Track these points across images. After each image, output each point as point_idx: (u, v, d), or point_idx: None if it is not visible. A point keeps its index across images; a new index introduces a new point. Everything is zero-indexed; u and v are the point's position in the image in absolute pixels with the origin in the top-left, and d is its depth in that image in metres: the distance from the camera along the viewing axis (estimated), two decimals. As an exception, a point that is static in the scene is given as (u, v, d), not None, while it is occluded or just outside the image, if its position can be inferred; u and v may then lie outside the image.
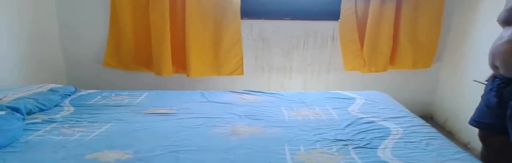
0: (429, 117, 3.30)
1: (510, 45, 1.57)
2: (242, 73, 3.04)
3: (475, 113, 1.90)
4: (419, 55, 3.00)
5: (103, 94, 2.38)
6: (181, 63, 3.00)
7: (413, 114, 2.13)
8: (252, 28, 3.05)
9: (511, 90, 1.66)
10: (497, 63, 1.65)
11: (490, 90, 1.77)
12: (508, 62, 1.60)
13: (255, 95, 2.46)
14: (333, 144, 1.64)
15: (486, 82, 1.85)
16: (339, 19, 2.93)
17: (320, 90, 3.04)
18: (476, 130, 1.95)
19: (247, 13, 2.98)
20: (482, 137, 1.93)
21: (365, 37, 2.92)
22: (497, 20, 1.72)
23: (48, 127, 1.78)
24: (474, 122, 1.89)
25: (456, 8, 2.96)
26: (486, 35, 2.55)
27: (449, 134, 2.97)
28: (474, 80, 1.97)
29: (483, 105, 1.82)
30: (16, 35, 2.55)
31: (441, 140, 1.72)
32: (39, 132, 1.70)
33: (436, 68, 3.17)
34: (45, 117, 1.90)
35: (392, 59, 3.02)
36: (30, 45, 2.70)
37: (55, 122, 1.84)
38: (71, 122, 1.86)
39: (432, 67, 3.11)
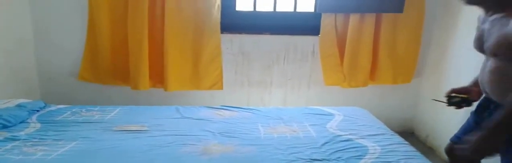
0: (410, 133, 3.26)
1: (493, 76, 1.52)
2: (221, 87, 2.98)
3: (460, 130, 1.87)
4: (399, 70, 2.98)
5: (73, 110, 2.29)
6: (158, 77, 2.93)
7: (392, 131, 2.09)
8: (232, 42, 3.01)
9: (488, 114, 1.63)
10: (487, 90, 1.61)
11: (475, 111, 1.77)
12: (495, 92, 1.55)
13: (232, 110, 2.39)
14: (308, 164, 1.58)
15: (445, 101, 1.80)
16: (319, 34, 2.90)
17: (300, 105, 3.00)
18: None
19: (227, 27, 2.94)
20: (448, 150, 1.89)
21: (345, 52, 2.90)
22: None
23: (9, 145, 1.69)
24: (456, 138, 1.85)
25: (435, 23, 2.96)
26: (466, 50, 2.54)
27: (430, 150, 2.93)
28: (433, 99, 1.90)
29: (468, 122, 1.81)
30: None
31: (420, 160, 1.68)
32: (-2, 151, 1.62)
33: (416, 83, 3.15)
34: (8, 135, 1.81)
35: (372, 74, 3.00)
36: (2, 57, 2.61)
37: (18, 140, 1.76)
38: (35, 140, 1.77)
39: (413, 82, 3.08)
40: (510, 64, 1.43)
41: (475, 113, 1.76)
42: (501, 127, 1.41)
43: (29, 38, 2.91)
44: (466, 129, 1.81)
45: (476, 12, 2.50)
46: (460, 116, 2.27)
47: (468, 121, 1.85)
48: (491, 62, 1.52)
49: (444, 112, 2.81)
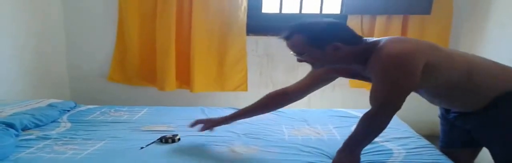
0: (436, 137, 3.19)
1: (438, 99, 1.73)
2: (246, 89, 3.01)
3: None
4: (426, 73, 2.94)
5: (103, 110, 2.35)
6: (185, 79, 2.98)
7: (418, 134, 2.06)
8: (258, 44, 3.03)
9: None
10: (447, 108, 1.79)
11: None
12: (455, 106, 1.73)
13: (256, 112, 2.40)
14: (332, 167, 1.58)
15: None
16: (344, 35, 2.89)
17: (324, 107, 2.98)
18: (486, 151, 1.88)
19: (252, 29, 2.97)
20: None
21: (371, 54, 2.87)
22: None
23: (41, 144, 1.74)
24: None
25: (464, 25, 2.91)
26: (494, 53, 2.50)
27: (458, 154, 2.87)
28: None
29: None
30: (21, 48, 2.57)
31: (446, 164, 1.66)
32: (31, 149, 1.67)
33: (445, 86, 3.09)
34: (40, 134, 1.87)
35: (399, 77, 2.96)
36: (35, 58, 2.71)
37: (49, 138, 1.81)
38: (66, 139, 1.83)
39: (440, 85, 3.03)
40: (435, 87, 1.58)
41: (442, 115, 1.88)
42: (354, 142, 1.58)
43: (61, 41, 3.01)
44: (445, 132, 1.91)
45: (505, 13, 2.46)
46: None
47: (441, 124, 1.95)
48: (423, 92, 1.68)
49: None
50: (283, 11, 3.04)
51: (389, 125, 2.14)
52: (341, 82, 3.04)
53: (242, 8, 2.83)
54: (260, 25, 3.02)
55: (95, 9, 2.96)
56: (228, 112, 2.36)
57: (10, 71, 2.47)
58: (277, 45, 3.00)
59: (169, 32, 2.81)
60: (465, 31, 2.91)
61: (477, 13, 2.77)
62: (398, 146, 1.83)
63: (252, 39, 2.99)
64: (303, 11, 3.03)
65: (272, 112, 2.38)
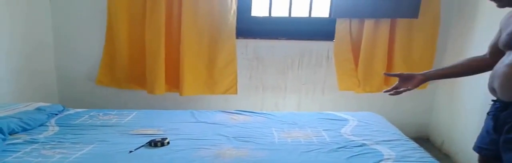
0: (425, 139, 3.24)
1: (509, 68, 1.49)
2: (235, 92, 3.01)
3: (477, 138, 1.82)
4: (414, 76, 2.97)
5: (91, 114, 2.33)
6: (174, 82, 2.97)
7: (406, 137, 2.08)
8: (247, 47, 3.04)
9: (506, 115, 1.58)
10: (495, 86, 1.56)
11: (488, 113, 1.68)
12: (505, 85, 1.52)
13: (246, 115, 2.41)
14: (321, 169, 1.58)
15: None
16: (333, 39, 2.91)
17: (314, 110, 3.00)
18: (473, 153, 1.88)
19: (242, 32, 2.97)
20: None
21: (360, 57, 2.90)
22: (498, 44, 1.64)
23: (29, 148, 1.72)
24: (477, 147, 1.79)
25: (451, 29, 2.94)
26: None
27: (446, 157, 2.90)
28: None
29: (484, 131, 1.74)
30: (7, 50, 2.54)
31: (435, 166, 1.67)
32: (18, 154, 1.65)
33: (432, 89, 3.13)
34: (27, 137, 1.85)
35: (387, 80, 2.98)
36: (22, 61, 2.68)
37: (37, 142, 1.79)
38: (53, 143, 1.81)
39: (428, 88, 3.07)
40: None
41: (488, 118, 1.68)
42: None
43: (49, 43, 2.98)
44: (482, 139, 1.72)
45: (492, 17, 2.49)
46: (476, 122, 2.26)
47: (482, 129, 1.75)
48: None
49: (460, 118, 2.79)
50: (273, 15, 3.05)
51: (377, 128, 2.20)
52: (331, 85, 3.08)
53: (232, 11, 2.84)
54: (249, 28, 3.02)
55: (83, 12, 2.95)
56: (218, 115, 2.39)
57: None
58: (267, 48, 3.03)
59: (158, 35, 2.80)
60: (453, 35, 2.94)
61: (464, 16, 2.81)
62: (388, 149, 1.84)
63: (242, 42, 3.00)
64: (292, 15, 3.04)
65: (262, 115, 2.41)
